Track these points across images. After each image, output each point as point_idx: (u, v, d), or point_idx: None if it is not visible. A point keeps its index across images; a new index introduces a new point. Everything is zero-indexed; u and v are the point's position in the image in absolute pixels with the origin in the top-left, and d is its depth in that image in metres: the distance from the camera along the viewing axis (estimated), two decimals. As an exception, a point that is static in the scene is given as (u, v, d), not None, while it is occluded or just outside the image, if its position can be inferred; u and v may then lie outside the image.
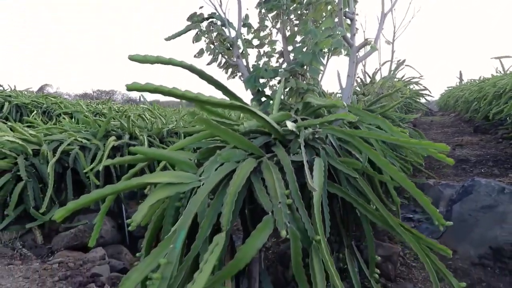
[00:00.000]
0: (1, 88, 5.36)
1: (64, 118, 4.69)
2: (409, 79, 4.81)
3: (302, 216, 0.83)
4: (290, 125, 1.06)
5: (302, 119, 1.24)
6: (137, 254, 1.14)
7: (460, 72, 9.54)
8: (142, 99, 3.27)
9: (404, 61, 3.19)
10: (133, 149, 0.96)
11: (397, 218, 1.04)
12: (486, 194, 2.33)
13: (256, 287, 1.07)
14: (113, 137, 2.58)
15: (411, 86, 5.00)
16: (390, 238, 2.37)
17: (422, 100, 6.11)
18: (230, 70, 1.96)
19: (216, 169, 0.94)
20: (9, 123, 2.52)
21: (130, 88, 0.75)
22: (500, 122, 4.78)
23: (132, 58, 0.78)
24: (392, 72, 3.57)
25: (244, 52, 1.71)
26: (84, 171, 2.22)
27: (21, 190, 1.97)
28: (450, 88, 9.52)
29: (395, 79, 3.36)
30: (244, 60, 1.72)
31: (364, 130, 1.36)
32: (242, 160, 1.00)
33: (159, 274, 0.70)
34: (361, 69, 3.79)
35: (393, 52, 3.75)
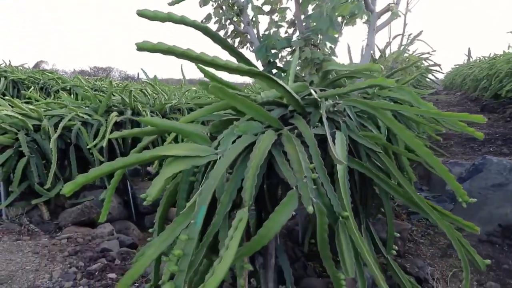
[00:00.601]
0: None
1: (62, 94, 4.57)
2: (419, 54, 4.62)
3: (328, 191, 0.78)
4: (315, 94, 0.98)
5: (321, 91, 1.16)
6: (150, 230, 1.11)
7: (469, 49, 9.22)
8: (144, 75, 3.14)
9: (421, 33, 3.02)
10: (144, 120, 0.89)
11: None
12: (497, 172, 2.29)
13: (272, 263, 1.05)
14: (115, 113, 2.49)
15: (421, 62, 4.82)
16: (397, 215, 2.37)
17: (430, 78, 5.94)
18: (238, 39, 1.84)
19: (233, 142, 0.87)
20: (7, 98, 2.43)
21: (140, 47, 0.66)
22: (509, 101, 4.66)
23: (141, 13, 0.68)
24: (404, 46, 3.40)
25: (254, 19, 1.59)
26: (88, 147, 2.16)
27: (24, 166, 1.92)
28: (457, 66, 9.25)
29: (408, 53, 3.21)
30: (254, 29, 1.60)
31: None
32: (260, 132, 0.93)
33: (180, 250, 0.66)
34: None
35: (405, 25, 3.56)
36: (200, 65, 1.26)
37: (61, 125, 2.16)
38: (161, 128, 0.96)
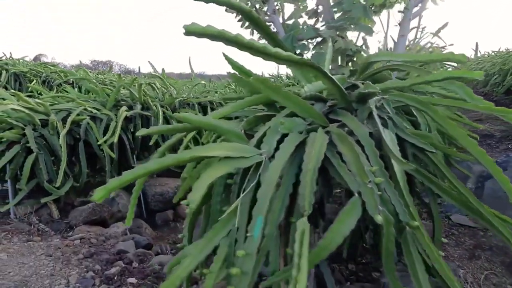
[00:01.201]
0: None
1: (67, 87, 4.45)
2: (431, 47, 4.50)
3: (392, 197, 0.69)
4: (372, 88, 0.88)
5: (361, 84, 1.06)
6: (180, 236, 1.02)
7: (477, 43, 9.08)
8: (152, 69, 3.02)
9: (446, 24, 2.88)
10: (179, 116, 0.79)
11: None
12: (522, 170, 2.21)
13: (312, 271, 0.97)
14: (125, 107, 2.39)
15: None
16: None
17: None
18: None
19: (278, 141, 0.78)
20: (12, 91, 2.32)
21: (189, 30, 0.56)
22: (522, 96, 4.56)
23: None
24: (418, 39, 3.29)
25: (279, 7, 1.48)
26: (98, 143, 2.06)
27: (32, 163, 1.83)
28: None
29: (428, 46, 3.10)
30: (280, 18, 1.49)
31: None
32: (304, 130, 0.84)
33: (238, 269, 0.57)
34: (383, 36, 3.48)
35: (420, 17, 3.42)
36: (229, 58, 1.17)
37: (69, 119, 2.06)
38: (195, 125, 0.86)
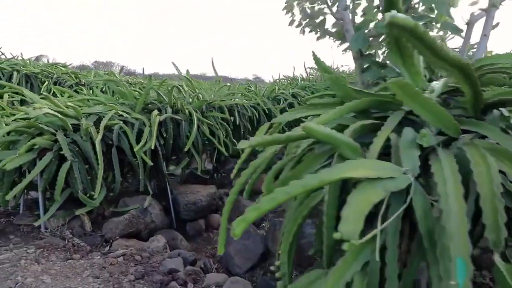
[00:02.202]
0: (3, 56, 4.87)
1: (81, 89, 4.30)
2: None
3: None
4: (507, 94, 0.76)
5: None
6: (276, 263, 0.89)
7: None
8: (176, 71, 2.88)
9: (497, 25, 2.78)
10: (305, 127, 0.66)
11: None
12: None
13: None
14: (156, 111, 2.25)
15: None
16: None
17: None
18: (320, 29, 1.61)
19: (420, 157, 0.66)
20: (44, 93, 2.17)
21: (392, 21, 0.44)
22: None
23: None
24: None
25: (351, 4, 1.36)
26: (136, 149, 1.92)
27: (66, 172, 1.69)
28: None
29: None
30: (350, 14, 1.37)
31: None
32: (437, 144, 0.72)
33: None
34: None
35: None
36: (317, 58, 1.04)
37: (102, 124, 1.92)
38: (319, 138, 0.73)
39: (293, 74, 5.96)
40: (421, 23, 1.24)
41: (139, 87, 3.78)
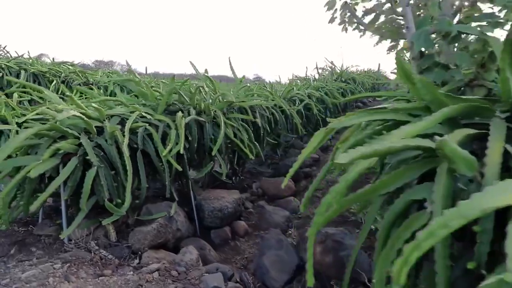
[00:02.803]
0: (7, 54, 4.73)
1: (91, 89, 4.16)
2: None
3: None
4: None
5: None
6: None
7: None
8: (194, 71, 2.76)
9: None
10: (442, 144, 0.54)
11: None
12: None
13: None
14: (180, 113, 2.13)
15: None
16: None
17: None
18: (368, 28, 1.49)
19: None
20: (68, 93, 2.03)
21: None
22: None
23: None
24: None
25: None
26: (163, 154, 1.79)
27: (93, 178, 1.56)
28: None
29: None
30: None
31: None
32: None
33: None
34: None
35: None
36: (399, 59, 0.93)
37: (127, 127, 1.79)
38: (447, 152, 0.61)
39: (306, 75, 5.85)
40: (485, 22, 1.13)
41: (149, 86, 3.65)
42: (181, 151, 1.81)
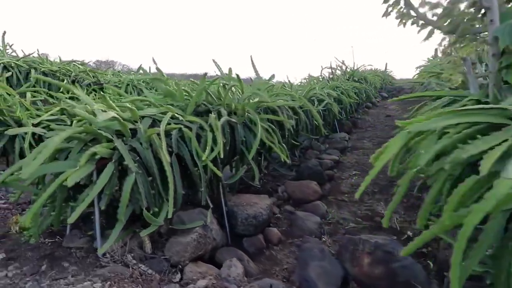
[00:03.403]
0: (13, 53, 4.57)
1: (102, 89, 4.02)
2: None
3: None
4: None
5: None
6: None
7: None
8: (218, 70, 2.62)
9: None
10: None
11: None
12: None
13: None
14: (213, 114, 2.00)
15: None
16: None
17: None
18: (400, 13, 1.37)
19: None
20: (101, 93, 1.89)
21: None
22: None
23: None
24: None
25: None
26: (203, 158, 1.66)
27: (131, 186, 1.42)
28: None
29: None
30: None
31: None
32: None
33: None
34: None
35: None
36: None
37: (162, 129, 1.66)
38: None
39: (320, 74, 5.72)
40: None
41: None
42: (221, 155, 1.68)
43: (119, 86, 4.74)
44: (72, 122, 2.94)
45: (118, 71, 5.91)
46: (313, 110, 3.33)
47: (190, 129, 1.88)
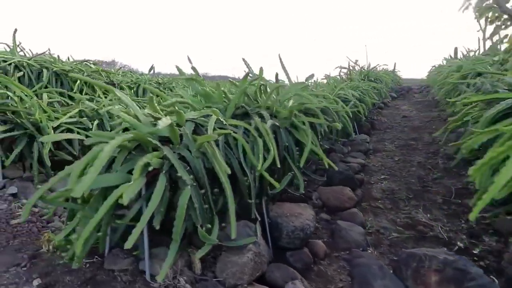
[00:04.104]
0: (21, 52, 4.37)
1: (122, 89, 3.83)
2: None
3: None
4: None
5: None
6: None
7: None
8: (248, 68, 2.45)
9: None
10: None
11: None
12: None
13: None
14: (257, 118, 1.83)
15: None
16: None
17: None
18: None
19: None
20: (150, 95, 1.71)
21: None
22: None
23: None
24: None
25: None
26: (258, 168, 1.49)
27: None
28: None
29: None
30: None
31: None
32: None
33: None
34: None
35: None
36: None
37: (210, 132, 1.49)
38: None
39: (339, 74, 5.57)
40: None
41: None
42: (278, 164, 1.51)
43: (132, 87, 4.56)
44: (92, 125, 2.76)
45: (130, 71, 5.72)
46: (348, 111, 3.17)
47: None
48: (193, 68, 1.98)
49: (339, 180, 3.03)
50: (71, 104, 3.20)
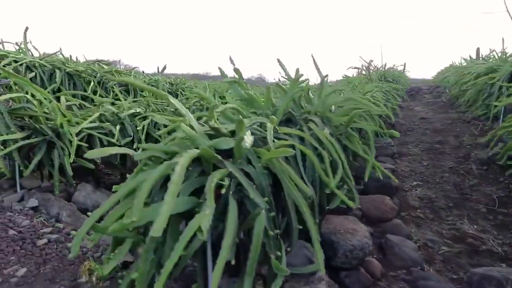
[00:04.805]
0: (29, 52, 4.14)
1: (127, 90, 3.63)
2: None
3: None
4: None
5: None
6: None
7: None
8: (283, 71, 2.26)
9: None
10: None
11: None
12: None
13: None
14: (313, 125, 1.64)
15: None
16: None
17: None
18: None
19: None
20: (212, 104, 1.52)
21: None
22: None
23: None
24: None
25: None
26: (331, 186, 1.30)
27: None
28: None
29: None
30: None
31: None
32: None
33: None
34: None
35: None
36: None
37: (271, 144, 1.30)
38: None
39: (358, 73, 5.38)
40: None
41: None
42: (352, 180, 1.32)
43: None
44: (116, 130, 2.56)
45: (142, 72, 5.51)
46: (389, 114, 2.99)
47: (293, 146, 1.52)
48: (236, 70, 1.78)
49: (375, 188, 2.85)
50: (88, 107, 2.99)
